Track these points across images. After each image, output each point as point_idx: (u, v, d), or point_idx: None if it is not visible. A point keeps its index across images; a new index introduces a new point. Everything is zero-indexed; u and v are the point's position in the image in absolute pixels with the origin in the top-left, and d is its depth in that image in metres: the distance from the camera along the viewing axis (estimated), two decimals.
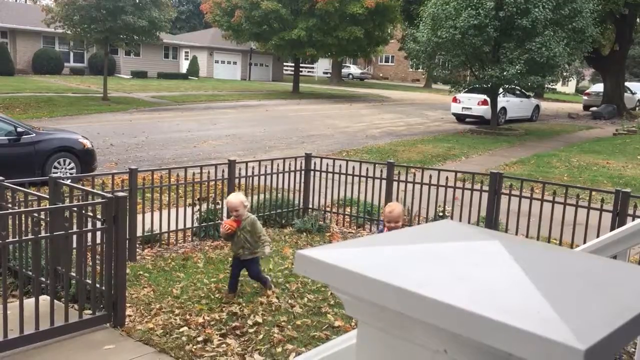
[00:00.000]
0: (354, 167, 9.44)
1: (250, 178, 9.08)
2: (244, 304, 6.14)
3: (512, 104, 26.67)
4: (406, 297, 0.58)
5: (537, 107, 29.64)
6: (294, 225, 9.30)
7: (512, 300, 0.58)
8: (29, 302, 5.11)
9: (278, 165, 9.40)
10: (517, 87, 24.24)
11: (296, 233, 9.06)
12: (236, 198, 6.35)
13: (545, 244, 0.81)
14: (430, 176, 8.71)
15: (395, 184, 9.14)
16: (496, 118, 23.77)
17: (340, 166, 9.46)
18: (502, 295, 0.60)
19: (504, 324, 0.54)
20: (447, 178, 8.68)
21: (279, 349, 5.29)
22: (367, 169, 9.32)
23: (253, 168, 9.06)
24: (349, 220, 9.65)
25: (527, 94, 27.91)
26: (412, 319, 0.59)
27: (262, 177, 9.23)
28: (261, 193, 9.40)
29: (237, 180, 8.85)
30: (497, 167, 13.28)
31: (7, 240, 5.32)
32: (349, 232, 9.32)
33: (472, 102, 25.30)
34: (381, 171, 9.31)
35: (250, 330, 5.60)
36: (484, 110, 24.69)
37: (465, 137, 21.56)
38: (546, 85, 25.74)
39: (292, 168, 9.57)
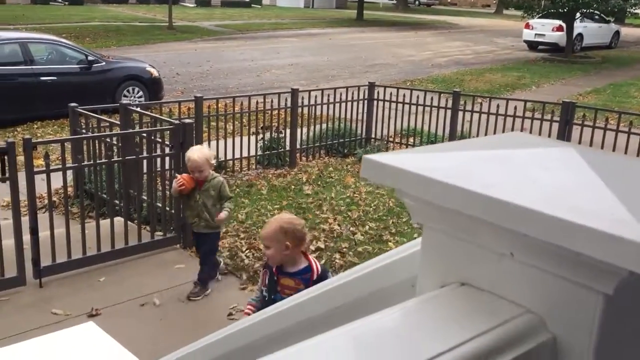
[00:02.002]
0: (418, 97, 9.24)
1: (313, 107, 9.07)
2: (307, 230, 6.28)
3: (590, 30, 25.09)
4: (474, 199, 0.57)
5: (617, 33, 27.76)
6: (356, 155, 9.30)
7: (584, 202, 0.56)
8: (105, 223, 5.40)
9: (341, 94, 9.32)
10: (595, 11, 22.70)
11: (358, 162, 9.06)
12: (200, 154, 4.80)
13: (623, 155, 0.77)
14: (498, 106, 8.43)
15: (460, 113, 8.92)
16: (571, 45, 22.50)
17: (404, 95, 9.29)
18: (574, 197, 0.58)
19: (576, 224, 0.53)
20: (515, 108, 8.39)
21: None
22: (432, 99, 9.11)
23: (316, 97, 9.02)
24: None
25: (607, 19, 26.11)
26: (480, 222, 0.59)
27: (325, 106, 9.19)
28: (323, 122, 9.39)
29: (299, 109, 8.86)
30: (569, 97, 12.69)
31: (82, 164, 5.59)
32: None
33: (546, 28, 23.95)
34: (446, 100, 9.08)
35: (313, 255, 5.75)
36: (559, 37, 23.36)
37: (536, 66, 20.61)
38: (628, 10, 23.99)
39: (355, 97, 9.47)
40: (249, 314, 3.26)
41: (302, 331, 0.71)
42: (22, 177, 4.90)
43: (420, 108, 9.29)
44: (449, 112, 8.94)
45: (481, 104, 9.47)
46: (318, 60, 19.80)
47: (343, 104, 9.33)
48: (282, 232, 3.16)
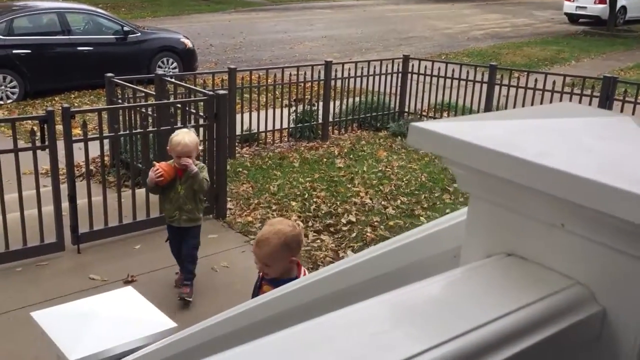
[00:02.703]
0: (453, 70, 9.09)
1: (346, 80, 9.00)
2: (338, 204, 6.29)
3: (634, 2, 24.18)
4: (527, 169, 0.56)
5: None
6: (388, 129, 9.24)
7: None
8: (140, 192, 5.49)
9: (375, 67, 9.22)
10: None
11: (391, 137, 9.01)
12: (191, 138, 4.32)
13: None
14: (536, 80, 8.24)
15: (496, 88, 8.75)
16: (614, 18, 21.75)
17: (439, 69, 9.14)
18: (631, 167, 0.56)
19: (634, 194, 0.51)
20: (554, 82, 8.19)
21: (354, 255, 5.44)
22: (468, 72, 8.95)
23: (349, 69, 8.95)
24: None
25: None
26: (531, 192, 0.58)
27: (358, 79, 9.11)
28: (356, 96, 9.33)
29: (332, 82, 8.81)
30: (610, 72, 12.32)
31: (119, 134, 5.68)
32: None
33: (588, 1, 23.18)
34: (482, 74, 8.91)
35: (344, 229, 5.77)
36: (601, 10, 22.60)
37: (577, 40, 20.02)
38: None
39: (389, 70, 9.36)
40: None
41: (341, 299, 0.71)
42: (60, 146, 5.00)
43: (455, 82, 9.14)
44: (484, 86, 8.78)
45: (518, 78, 9.26)
46: (352, 33, 19.59)
47: (376, 77, 9.23)
48: (287, 248, 2.63)
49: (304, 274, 2.74)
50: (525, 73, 8.93)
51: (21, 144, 5.19)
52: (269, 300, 1.03)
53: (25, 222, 4.79)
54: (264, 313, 1.01)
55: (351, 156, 8.01)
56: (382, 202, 6.41)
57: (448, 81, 9.17)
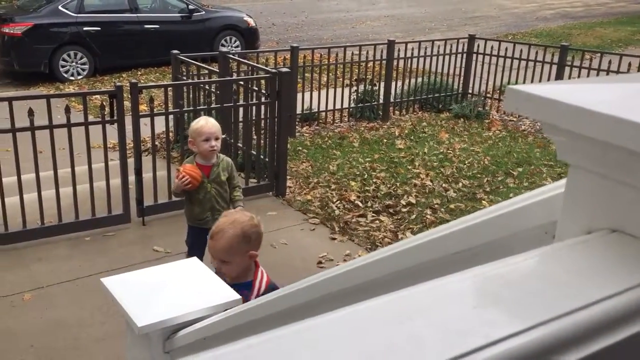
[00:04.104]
0: (521, 51, 8.77)
1: (409, 60, 8.84)
2: (398, 185, 6.22)
3: None
4: None
5: None
6: (451, 111, 9.04)
7: None
8: None
9: (439, 47, 9.01)
10: None
11: (453, 118, 8.82)
12: (213, 121, 3.99)
13: None
14: (610, 62, 7.85)
15: (567, 69, 8.40)
16: None
17: (505, 49, 8.85)
18: None
19: None
20: (629, 64, 7.79)
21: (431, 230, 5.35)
22: (537, 53, 8.62)
23: (412, 49, 8.78)
24: None
25: None
26: None
27: (421, 59, 8.93)
28: (419, 76, 9.16)
29: (395, 62, 8.67)
30: None
31: (183, 109, 5.78)
32: (510, 120, 8.87)
33: None
34: (552, 55, 8.57)
35: (403, 210, 5.70)
36: None
37: None
38: None
39: (453, 50, 9.13)
40: None
41: (423, 274, 0.67)
42: (127, 121, 5.13)
43: (522, 63, 8.83)
44: (554, 67, 8.44)
45: (590, 59, 8.87)
46: (415, 12, 19.23)
47: (440, 57, 9.03)
48: (245, 240, 2.33)
49: (262, 277, 2.47)
50: (598, 54, 8.52)
51: (90, 118, 5.34)
52: (348, 270, 1.01)
53: (94, 193, 4.95)
54: (341, 284, 0.99)
55: (412, 137, 7.90)
56: (443, 185, 6.29)
57: (515, 62, 8.87)
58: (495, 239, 0.79)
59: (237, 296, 1.64)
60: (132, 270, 2.12)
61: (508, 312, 0.47)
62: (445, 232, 0.87)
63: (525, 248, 0.64)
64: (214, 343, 1.40)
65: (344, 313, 0.46)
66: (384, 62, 8.59)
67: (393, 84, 8.72)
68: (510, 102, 0.60)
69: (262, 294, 2.28)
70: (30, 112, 4.56)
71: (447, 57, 9.09)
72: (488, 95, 9.30)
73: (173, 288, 1.70)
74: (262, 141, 5.95)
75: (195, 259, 1.96)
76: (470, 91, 9.39)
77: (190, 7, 11.76)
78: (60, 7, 10.55)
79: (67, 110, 4.73)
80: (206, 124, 3.86)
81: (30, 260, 4.51)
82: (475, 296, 0.50)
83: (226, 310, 1.46)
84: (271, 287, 2.40)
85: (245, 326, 1.25)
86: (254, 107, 5.85)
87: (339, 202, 5.81)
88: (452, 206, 5.80)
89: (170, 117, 5.80)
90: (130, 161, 5.20)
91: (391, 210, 5.68)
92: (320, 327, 0.45)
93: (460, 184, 6.34)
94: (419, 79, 9.12)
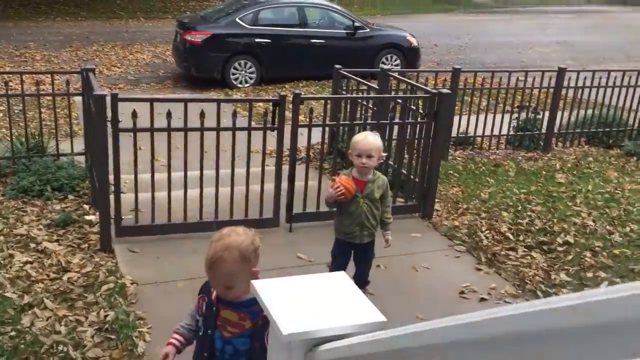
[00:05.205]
0: None
1: (580, 90, 8.26)
2: (555, 221, 5.81)
3: None
4: None
5: None
6: (623, 147, 8.31)
7: None
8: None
9: (614, 79, 8.34)
10: None
11: (624, 156, 8.10)
12: (376, 139, 3.91)
13: None
14: None
15: None
16: None
17: None
18: None
19: None
20: None
21: (589, 274, 4.91)
22: None
23: (585, 79, 8.20)
24: None
25: None
26: None
27: (594, 90, 8.31)
28: (589, 108, 8.53)
29: (563, 91, 8.16)
30: None
31: (340, 123, 5.88)
32: None
33: None
34: None
35: (559, 249, 5.30)
36: None
37: None
38: None
39: (632, 83, 8.39)
40: (174, 345, 2.45)
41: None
42: (285, 130, 5.32)
43: None
44: None
45: None
46: (589, 40, 18.05)
47: (615, 89, 8.35)
48: (245, 261, 2.24)
49: None
50: None
51: (252, 124, 5.62)
52: (510, 314, 0.92)
53: (249, 196, 5.19)
54: (496, 329, 0.90)
55: (575, 172, 7.36)
56: (607, 227, 5.76)
57: None
58: None
59: (382, 318, 1.60)
60: (277, 273, 2.16)
61: None
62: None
63: None
64: None
65: None
66: (551, 89, 8.12)
67: (559, 113, 8.21)
68: None
69: None
70: (202, 114, 4.90)
71: (623, 89, 8.38)
72: None
73: (319, 300, 1.70)
74: (413, 161, 5.87)
75: (343, 273, 1.95)
76: None
77: (356, 24, 12.03)
78: (237, 19, 11.32)
79: (234, 114, 5.02)
80: (363, 139, 3.87)
81: (186, 252, 4.82)
82: None
83: (372, 332, 1.43)
84: None
85: (393, 354, 1.20)
86: (409, 126, 5.80)
87: (488, 231, 5.55)
88: (616, 251, 5.28)
89: (327, 129, 5.93)
90: (285, 168, 5.38)
91: (545, 248, 5.31)
92: None
93: (628, 228, 5.77)
94: (589, 111, 8.50)
